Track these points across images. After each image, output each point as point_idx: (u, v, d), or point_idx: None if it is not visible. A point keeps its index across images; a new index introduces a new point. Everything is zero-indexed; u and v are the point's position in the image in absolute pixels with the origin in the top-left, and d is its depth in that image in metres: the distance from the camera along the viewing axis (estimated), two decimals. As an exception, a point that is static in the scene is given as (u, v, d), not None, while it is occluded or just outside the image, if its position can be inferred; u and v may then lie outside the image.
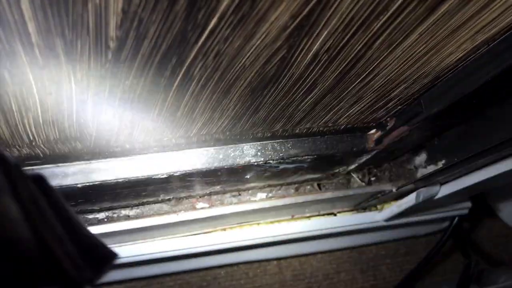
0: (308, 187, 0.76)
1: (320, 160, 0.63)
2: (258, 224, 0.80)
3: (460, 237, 0.98)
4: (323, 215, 0.83)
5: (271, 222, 0.80)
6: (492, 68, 0.42)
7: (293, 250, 0.91)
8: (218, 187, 0.68)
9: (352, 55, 0.39)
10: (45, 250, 0.19)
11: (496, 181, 0.70)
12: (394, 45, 0.39)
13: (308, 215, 0.82)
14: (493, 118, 0.53)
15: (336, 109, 0.51)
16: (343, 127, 0.58)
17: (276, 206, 0.70)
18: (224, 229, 0.79)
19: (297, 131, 0.56)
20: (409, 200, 0.74)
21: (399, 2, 0.32)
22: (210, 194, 0.73)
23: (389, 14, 0.34)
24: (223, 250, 0.81)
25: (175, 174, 0.55)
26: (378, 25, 0.35)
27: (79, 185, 0.52)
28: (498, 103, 0.52)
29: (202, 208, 0.70)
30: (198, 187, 0.65)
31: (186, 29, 0.31)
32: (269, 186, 0.74)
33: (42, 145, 0.45)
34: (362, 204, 0.83)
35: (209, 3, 0.29)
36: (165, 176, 0.55)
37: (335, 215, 0.84)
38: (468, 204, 0.91)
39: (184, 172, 0.55)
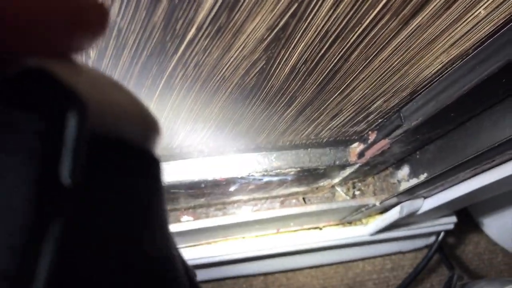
0: (294, 200, 0.76)
1: (304, 173, 0.64)
2: (243, 237, 0.80)
3: (445, 252, 0.98)
4: (309, 229, 0.83)
5: (256, 236, 0.80)
6: (468, 82, 0.43)
7: (279, 265, 0.91)
8: (202, 199, 0.68)
9: (330, 68, 0.40)
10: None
11: (479, 195, 0.71)
12: (371, 58, 0.40)
13: (293, 229, 0.82)
14: (471, 131, 0.54)
15: (317, 121, 0.52)
16: (325, 140, 0.59)
17: (261, 219, 0.70)
18: (209, 243, 0.79)
19: (280, 143, 0.57)
20: (393, 214, 0.75)
21: (372, 15, 0.34)
22: (194, 207, 0.73)
23: (363, 26, 0.35)
24: (207, 265, 0.80)
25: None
26: (354, 38, 0.36)
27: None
28: (475, 116, 0.53)
29: (187, 221, 0.70)
30: (182, 199, 0.65)
31: (165, 39, 0.32)
32: (254, 199, 0.74)
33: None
34: (347, 218, 0.84)
35: (187, 14, 0.30)
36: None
37: (320, 229, 0.84)
38: (453, 218, 0.91)
39: (169, 183, 0.56)
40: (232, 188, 0.64)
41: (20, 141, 0.09)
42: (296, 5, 0.31)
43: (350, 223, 0.86)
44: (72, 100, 0.10)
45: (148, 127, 0.14)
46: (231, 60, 0.36)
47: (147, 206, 0.13)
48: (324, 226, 0.85)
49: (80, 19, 0.11)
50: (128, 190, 0.13)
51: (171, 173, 0.55)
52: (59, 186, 0.09)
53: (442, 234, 0.94)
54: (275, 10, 0.31)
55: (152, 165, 0.14)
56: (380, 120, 0.55)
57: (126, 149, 0.13)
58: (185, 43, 0.33)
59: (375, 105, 0.50)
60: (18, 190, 0.09)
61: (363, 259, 1.00)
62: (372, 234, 0.85)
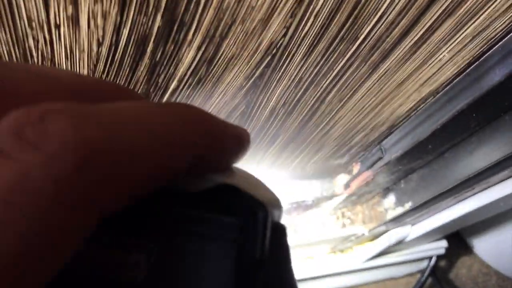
0: (284, 231, 0.77)
1: (293, 205, 0.65)
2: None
3: (438, 277, 0.99)
4: (301, 258, 0.84)
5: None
6: (440, 117, 0.46)
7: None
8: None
9: (308, 108, 0.42)
10: None
11: (465, 221, 0.72)
12: (345, 99, 0.42)
13: (286, 259, 0.83)
14: (450, 161, 0.56)
15: (301, 156, 0.54)
16: (311, 172, 0.61)
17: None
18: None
19: (266, 177, 0.59)
20: (383, 242, 0.76)
21: (342, 63, 0.36)
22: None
23: (335, 73, 0.37)
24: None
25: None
26: (327, 83, 0.38)
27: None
28: (453, 146, 0.55)
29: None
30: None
31: (149, 90, 0.34)
32: (246, 231, 0.75)
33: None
34: (338, 246, 0.85)
35: (168, 69, 0.32)
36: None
37: (312, 258, 0.85)
38: (444, 243, 0.93)
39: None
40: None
41: (224, 234, 0.14)
42: (269, 57, 0.33)
43: (342, 251, 0.87)
44: (257, 204, 0.14)
45: (280, 206, 0.18)
46: (213, 106, 0.38)
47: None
48: (316, 255, 0.86)
49: (242, 148, 0.15)
50: (286, 257, 0.17)
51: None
52: (253, 262, 0.14)
53: (433, 258, 0.95)
54: (251, 62, 0.33)
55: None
56: (362, 153, 0.57)
57: (281, 228, 0.18)
58: (168, 93, 0.35)
59: (355, 139, 0.53)
60: (223, 264, 0.14)
61: (356, 287, 1.00)
62: (364, 262, 0.86)
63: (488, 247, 1.06)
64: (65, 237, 0.09)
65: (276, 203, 0.17)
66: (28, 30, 0.27)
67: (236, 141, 0.15)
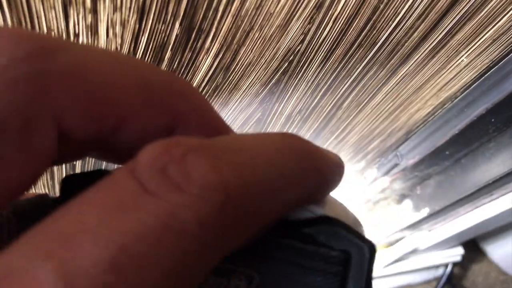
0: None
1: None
2: None
3: (454, 284, 0.97)
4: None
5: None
6: (458, 122, 0.45)
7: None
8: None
9: (324, 115, 0.42)
10: None
11: (482, 227, 0.71)
12: (362, 105, 0.42)
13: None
14: (467, 167, 0.55)
15: (316, 163, 0.54)
16: (326, 179, 0.60)
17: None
18: None
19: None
20: (399, 249, 0.75)
21: (360, 68, 0.36)
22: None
23: (352, 78, 0.37)
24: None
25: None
26: (344, 88, 0.38)
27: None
28: (470, 153, 0.55)
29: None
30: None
31: (165, 98, 0.34)
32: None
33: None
34: (353, 254, 0.84)
35: (185, 77, 0.32)
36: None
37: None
38: (460, 250, 0.91)
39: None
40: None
41: (329, 267, 0.14)
42: (286, 64, 0.33)
43: (356, 258, 0.86)
44: (361, 238, 0.14)
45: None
46: (229, 113, 0.38)
47: None
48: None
49: (341, 178, 0.15)
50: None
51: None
52: None
53: (450, 266, 0.93)
54: (268, 69, 0.33)
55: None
56: (378, 159, 0.57)
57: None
58: (184, 101, 0.35)
59: (372, 145, 0.52)
60: None
61: (372, 294, 0.99)
62: (379, 269, 0.85)
63: (505, 254, 1.04)
64: (201, 275, 0.10)
65: (363, 232, 0.17)
66: (48, 40, 0.27)
67: (337, 171, 0.15)
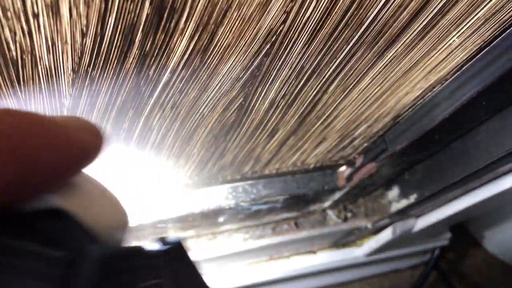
0: (285, 226, 0.76)
1: (293, 199, 0.63)
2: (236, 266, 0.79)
3: (442, 268, 0.98)
4: (303, 253, 0.82)
5: (249, 264, 0.79)
6: (448, 106, 0.44)
7: (275, 291, 0.90)
8: (191, 231, 0.67)
9: (309, 100, 0.40)
10: None
11: (471, 212, 0.70)
12: (349, 89, 0.40)
13: (287, 254, 0.81)
14: (456, 153, 0.54)
15: (302, 149, 0.52)
16: (312, 166, 0.58)
17: (253, 248, 0.69)
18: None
19: (266, 172, 0.57)
20: (386, 235, 0.74)
21: (346, 50, 0.34)
22: (184, 239, 0.72)
23: (338, 61, 0.35)
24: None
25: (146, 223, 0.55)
26: (329, 72, 0.36)
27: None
28: (459, 138, 0.53)
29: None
30: (172, 232, 0.64)
31: (139, 84, 0.32)
32: (245, 227, 0.74)
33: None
34: (341, 241, 0.83)
35: (159, 61, 0.30)
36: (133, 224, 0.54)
37: (314, 253, 0.83)
38: (448, 234, 0.91)
39: (156, 219, 0.55)
40: (221, 219, 0.63)
41: (47, 270, 0.12)
42: (268, 45, 0.31)
43: (344, 245, 0.86)
44: (87, 236, 0.13)
45: (126, 226, 0.16)
46: (209, 99, 0.36)
47: None
48: (318, 250, 0.84)
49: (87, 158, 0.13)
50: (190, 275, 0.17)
51: (157, 209, 0.54)
52: None
53: (437, 250, 0.93)
54: (248, 51, 0.31)
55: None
56: (365, 145, 0.55)
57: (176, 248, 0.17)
58: (160, 86, 0.33)
59: (359, 131, 0.50)
60: None
61: (360, 280, 0.99)
62: (367, 255, 0.84)
63: (494, 237, 1.05)
64: None
65: (119, 225, 0.16)
66: (4, 21, 0.25)
67: (79, 151, 0.13)
